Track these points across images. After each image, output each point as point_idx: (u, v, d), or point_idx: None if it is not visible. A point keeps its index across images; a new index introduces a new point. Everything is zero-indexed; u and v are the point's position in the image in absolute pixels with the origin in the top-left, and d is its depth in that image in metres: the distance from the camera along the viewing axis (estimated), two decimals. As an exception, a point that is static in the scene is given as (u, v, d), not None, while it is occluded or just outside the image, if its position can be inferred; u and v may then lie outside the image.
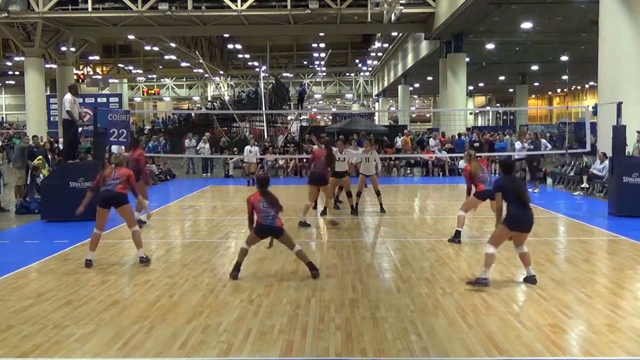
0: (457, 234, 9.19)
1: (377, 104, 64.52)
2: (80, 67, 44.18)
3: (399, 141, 23.82)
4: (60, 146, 17.61)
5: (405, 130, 26.88)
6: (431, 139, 23.88)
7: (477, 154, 20.49)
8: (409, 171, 22.66)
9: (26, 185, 13.64)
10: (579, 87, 58.37)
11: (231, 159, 21.75)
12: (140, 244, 7.87)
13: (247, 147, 19.27)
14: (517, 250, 6.86)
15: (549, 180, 17.96)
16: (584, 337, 5.11)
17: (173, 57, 45.71)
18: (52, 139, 22.94)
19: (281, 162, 22.18)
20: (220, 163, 23.40)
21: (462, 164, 20.80)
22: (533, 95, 65.71)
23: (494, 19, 25.68)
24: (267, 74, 35.65)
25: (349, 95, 68.44)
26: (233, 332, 5.21)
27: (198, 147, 23.08)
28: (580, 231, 10.26)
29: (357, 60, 54.98)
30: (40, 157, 14.75)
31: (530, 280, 6.76)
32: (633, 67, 14.76)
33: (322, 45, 45.80)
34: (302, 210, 10.75)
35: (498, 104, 67.87)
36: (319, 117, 69.82)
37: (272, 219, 6.95)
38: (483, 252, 8.59)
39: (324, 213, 11.86)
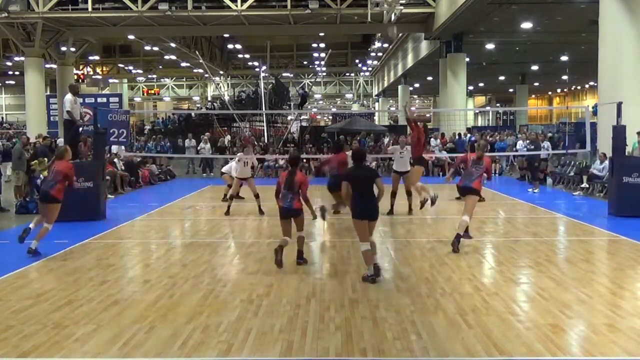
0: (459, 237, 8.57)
1: (377, 104, 64.53)
2: (80, 67, 44.18)
3: (386, 142, 23.69)
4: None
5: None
6: (432, 139, 23.85)
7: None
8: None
9: (26, 185, 13.66)
10: (579, 87, 58.33)
11: (231, 159, 21.72)
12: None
13: (241, 155, 13.39)
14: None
15: (549, 180, 17.96)
16: (584, 337, 5.11)
17: (173, 57, 45.71)
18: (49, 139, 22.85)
19: (281, 162, 22.17)
20: (221, 163, 23.37)
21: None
22: (533, 95, 65.66)
23: (494, 19, 25.68)
24: (267, 74, 35.65)
25: (349, 95, 68.44)
26: (233, 332, 5.21)
27: (199, 147, 23.08)
28: (580, 231, 10.25)
29: (357, 60, 54.97)
30: (42, 159, 14.73)
31: (370, 279, 6.70)
32: (633, 67, 14.76)
33: (322, 45, 45.81)
34: None
35: (498, 104, 67.82)
36: (319, 117, 69.80)
37: (50, 187, 8.48)
38: (483, 252, 8.68)
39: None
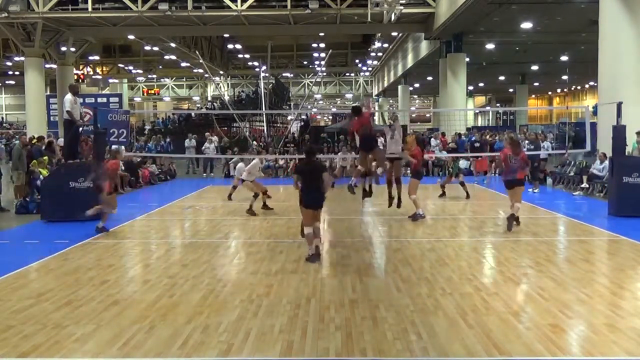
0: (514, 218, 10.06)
1: (377, 104, 64.55)
2: (80, 67, 44.18)
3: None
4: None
5: (411, 131, 26.97)
6: (432, 139, 23.85)
7: (477, 154, 20.70)
8: (408, 171, 22.61)
9: (26, 186, 13.66)
10: (579, 87, 58.36)
11: (231, 159, 21.73)
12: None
13: (256, 162, 12.95)
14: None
15: (549, 180, 17.95)
16: (584, 337, 5.11)
17: (173, 57, 45.71)
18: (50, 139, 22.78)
19: (281, 162, 22.17)
20: (221, 163, 23.41)
21: (463, 163, 20.82)
22: (533, 95, 65.69)
23: (494, 19, 25.69)
24: (267, 74, 35.64)
25: (349, 95, 68.46)
26: (233, 332, 5.21)
27: (203, 147, 23.08)
28: (580, 231, 10.25)
29: (357, 60, 54.99)
30: (45, 158, 14.74)
31: (311, 259, 7.77)
32: (633, 67, 14.76)
33: (322, 45, 45.82)
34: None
35: (498, 104, 67.85)
36: (318, 117, 69.80)
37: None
38: (483, 252, 8.69)
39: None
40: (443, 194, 14.98)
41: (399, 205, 11.58)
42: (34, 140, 17.05)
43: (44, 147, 15.87)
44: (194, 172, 23.93)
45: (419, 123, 69.03)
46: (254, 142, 25.31)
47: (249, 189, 12.56)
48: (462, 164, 20.79)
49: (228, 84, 57.89)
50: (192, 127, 30.71)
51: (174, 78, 62.77)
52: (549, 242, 9.30)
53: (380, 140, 12.97)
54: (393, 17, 23.21)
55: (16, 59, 40.12)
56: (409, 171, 12.66)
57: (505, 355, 4.66)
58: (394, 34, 38.24)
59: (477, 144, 21.45)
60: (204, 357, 4.69)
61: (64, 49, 31.56)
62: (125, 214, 12.28)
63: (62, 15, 27.83)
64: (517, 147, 10.21)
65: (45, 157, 14.82)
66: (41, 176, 13.25)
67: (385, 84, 56.13)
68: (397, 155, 11.49)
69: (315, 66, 50.68)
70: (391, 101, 64.82)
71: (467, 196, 14.58)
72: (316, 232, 7.96)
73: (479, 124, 55.87)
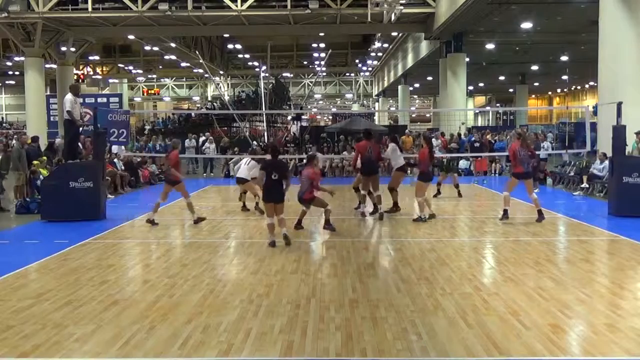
0: (505, 212, 10.82)
1: (377, 104, 64.56)
2: (80, 67, 44.16)
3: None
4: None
5: (406, 131, 26.99)
6: (433, 139, 23.81)
7: (477, 154, 20.65)
8: (408, 171, 22.58)
9: (26, 185, 13.66)
10: (579, 87, 58.35)
11: (231, 159, 21.72)
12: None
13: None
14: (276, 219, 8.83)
15: (549, 180, 17.95)
16: (584, 337, 5.11)
17: (173, 57, 45.71)
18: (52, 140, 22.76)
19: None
20: (221, 163, 23.40)
21: (463, 163, 20.82)
22: (533, 95, 65.70)
23: (494, 19, 25.69)
24: (267, 74, 35.64)
25: (349, 95, 68.47)
26: (233, 332, 5.21)
27: (204, 147, 23.06)
28: (580, 231, 10.25)
29: (357, 60, 54.97)
30: (44, 158, 14.73)
31: (285, 239, 8.75)
32: (633, 67, 14.76)
33: (322, 45, 45.82)
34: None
35: (498, 104, 67.84)
36: (319, 117, 69.82)
37: (167, 173, 11.23)
38: (483, 252, 8.68)
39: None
40: (438, 193, 15.05)
41: (395, 210, 12.07)
42: (28, 141, 17.01)
43: (44, 148, 15.87)
44: (194, 172, 23.93)
45: (419, 123, 69.06)
46: (254, 142, 25.31)
47: (253, 189, 12.49)
48: (462, 164, 20.80)
49: (228, 84, 57.87)
50: (192, 127, 30.69)
51: (174, 78, 62.78)
52: (549, 242, 9.31)
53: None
54: (393, 17, 23.19)
55: (16, 59, 40.09)
56: (410, 172, 12.87)
57: (505, 355, 4.66)
58: (394, 34, 38.22)
59: (477, 144, 21.45)
60: (204, 357, 4.68)
61: (64, 49, 31.54)
62: (125, 214, 12.29)
63: (62, 15, 27.80)
64: (526, 140, 11.01)
65: (44, 157, 14.82)
66: (41, 176, 13.25)
67: (385, 84, 56.13)
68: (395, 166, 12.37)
69: (315, 66, 50.68)
70: (391, 101, 64.82)
71: (459, 194, 14.82)
72: (280, 222, 8.85)
73: (479, 124, 55.83)
